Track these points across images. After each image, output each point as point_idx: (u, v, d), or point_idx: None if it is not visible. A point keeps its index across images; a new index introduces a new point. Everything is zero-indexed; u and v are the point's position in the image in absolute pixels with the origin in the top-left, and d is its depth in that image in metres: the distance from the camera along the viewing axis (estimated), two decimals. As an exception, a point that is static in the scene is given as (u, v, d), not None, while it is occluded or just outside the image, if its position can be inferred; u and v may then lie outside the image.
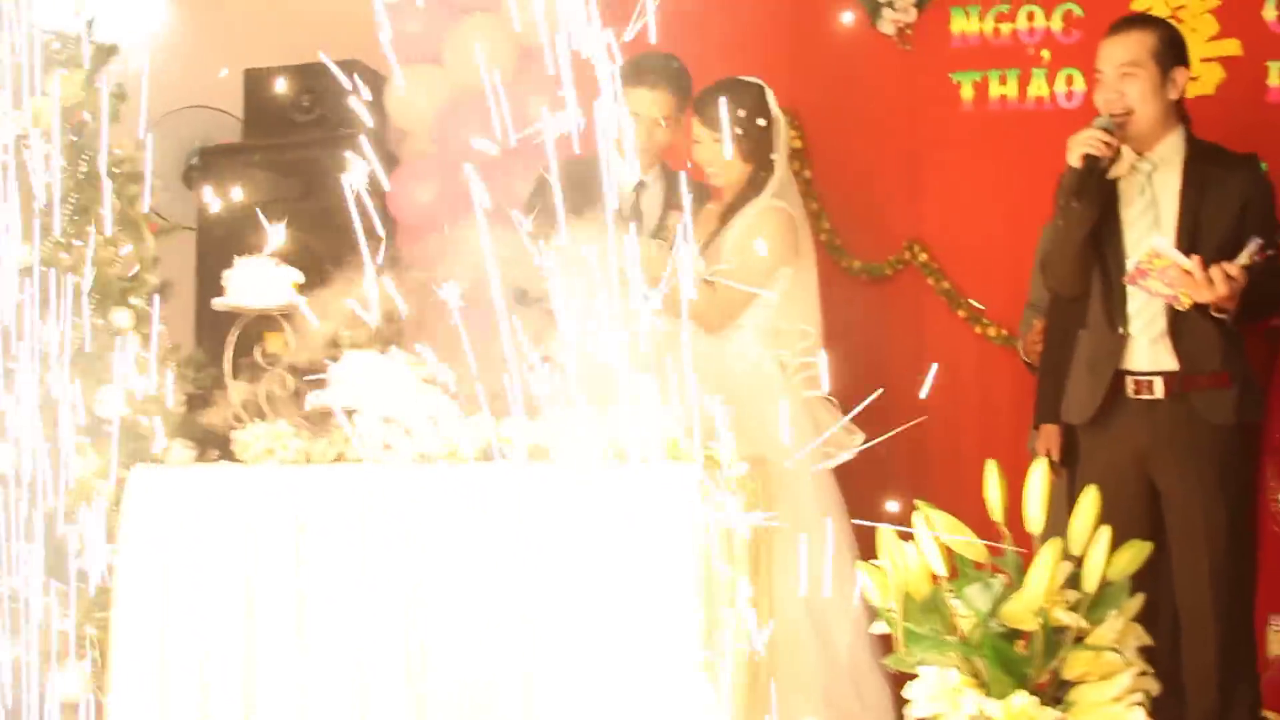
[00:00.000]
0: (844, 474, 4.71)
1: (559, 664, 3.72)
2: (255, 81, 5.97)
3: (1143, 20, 4.40)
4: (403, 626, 3.84)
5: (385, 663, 3.84)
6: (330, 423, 4.17)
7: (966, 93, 5.55)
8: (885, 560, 3.19)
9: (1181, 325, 4.09)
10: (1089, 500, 3.26)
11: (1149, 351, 4.14)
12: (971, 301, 5.54)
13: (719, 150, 4.43)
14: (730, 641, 3.61)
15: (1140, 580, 4.14)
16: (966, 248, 5.53)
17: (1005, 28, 5.50)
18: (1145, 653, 4.15)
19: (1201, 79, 5.29)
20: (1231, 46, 5.32)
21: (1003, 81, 5.52)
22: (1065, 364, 4.43)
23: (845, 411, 4.52)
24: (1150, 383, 4.12)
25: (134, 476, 4.07)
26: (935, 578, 3.18)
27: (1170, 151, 4.18)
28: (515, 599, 3.76)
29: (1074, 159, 4.04)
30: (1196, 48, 5.27)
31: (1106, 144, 4.03)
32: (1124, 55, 4.15)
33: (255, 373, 4.42)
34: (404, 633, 3.83)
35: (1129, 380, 4.15)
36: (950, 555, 3.18)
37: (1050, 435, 4.91)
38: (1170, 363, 4.11)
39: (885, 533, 3.23)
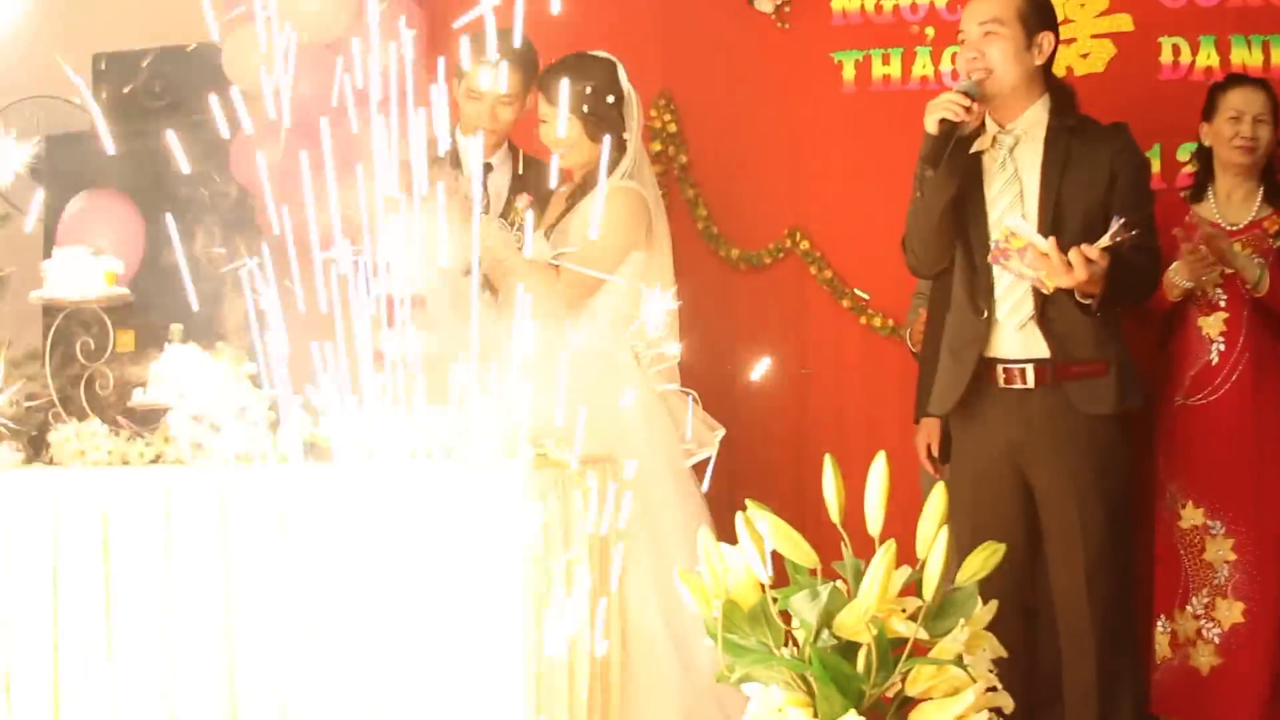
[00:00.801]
0: (721, 473, 4.48)
1: (376, 669, 3.51)
2: (107, 67, 5.68)
3: None
4: (214, 635, 3.61)
5: (195, 671, 3.62)
6: (159, 422, 3.94)
7: (848, 73, 5.28)
8: (704, 566, 2.91)
9: (1052, 309, 3.84)
10: (935, 498, 2.99)
11: (1017, 337, 3.90)
12: (856, 291, 5.28)
13: (566, 129, 4.17)
14: (564, 649, 3.37)
15: (1017, 582, 3.94)
16: (850, 235, 5.25)
17: (888, 4, 5.23)
18: (1024, 658, 3.95)
19: (1092, 55, 5.08)
20: (1123, 22, 5.08)
21: (885, 61, 5.25)
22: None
23: (705, 405, 4.30)
24: (1021, 371, 3.88)
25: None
26: (763, 586, 2.92)
27: (1033, 123, 3.93)
28: (332, 601, 3.54)
29: (930, 124, 3.79)
30: (1087, 23, 5.08)
31: (966, 109, 3.78)
32: (987, 13, 3.91)
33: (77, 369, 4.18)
34: (215, 642, 3.61)
35: (999, 368, 3.91)
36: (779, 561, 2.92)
37: (930, 429, 4.69)
38: (1042, 349, 3.86)
39: (705, 536, 2.96)
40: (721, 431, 4.17)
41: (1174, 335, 4.51)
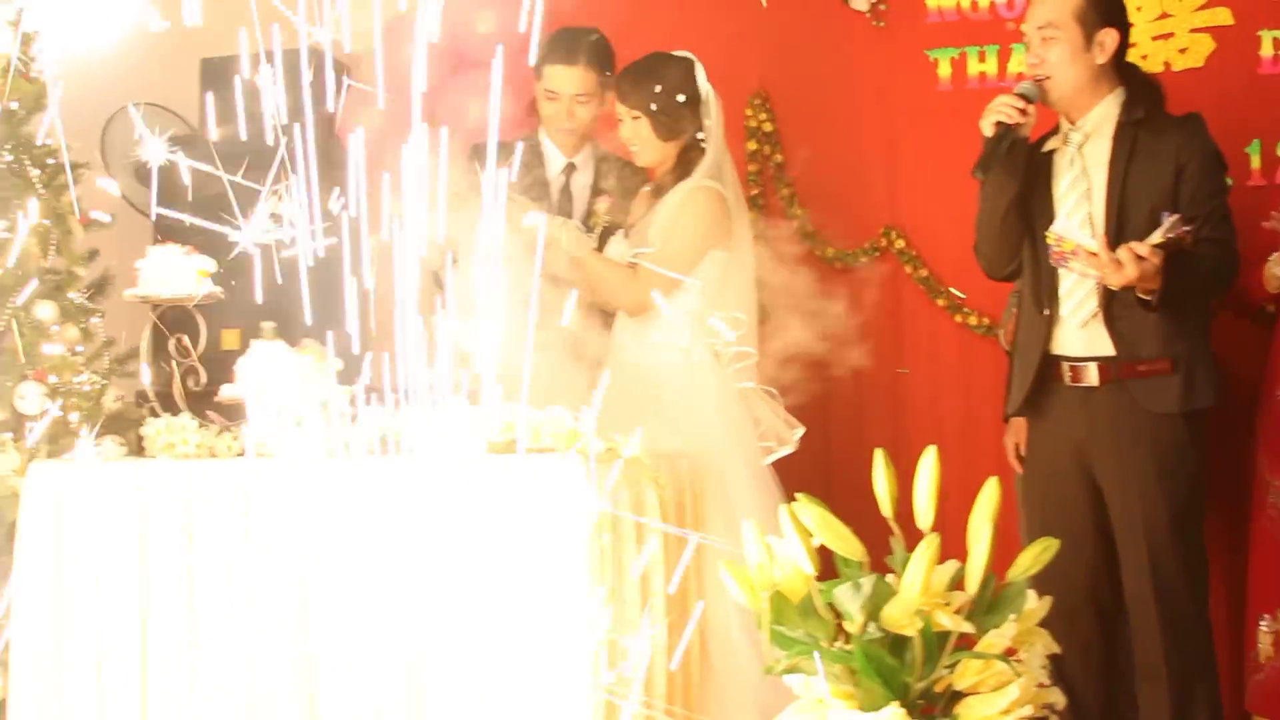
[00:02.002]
0: (816, 472, 4.51)
1: (449, 657, 3.61)
2: (212, 71, 5.81)
3: None
4: (293, 624, 3.73)
5: (276, 658, 3.74)
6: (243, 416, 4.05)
7: (944, 70, 5.26)
8: (753, 559, 2.94)
9: (1117, 308, 3.81)
10: (986, 494, 2.99)
11: (1081, 335, 3.88)
12: (951, 289, 5.26)
13: (637, 129, 4.22)
14: (640, 638, 3.42)
15: (1090, 579, 3.91)
16: (945, 233, 5.21)
17: (983, 2, 5.21)
18: (1099, 653, 3.91)
19: (1191, 50, 5.00)
20: (1223, 15, 4.99)
21: (981, 58, 5.22)
22: None
23: (799, 405, 4.32)
24: (1085, 369, 3.85)
25: (32, 473, 3.99)
26: (811, 579, 2.94)
27: (1102, 119, 3.91)
28: (406, 592, 3.64)
29: (986, 127, 3.78)
30: (1185, 18, 5.00)
31: (1021, 110, 3.77)
32: (1043, 16, 3.93)
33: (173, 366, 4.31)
34: (294, 629, 3.73)
35: (1064, 366, 3.89)
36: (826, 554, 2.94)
37: (1017, 428, 4.65)
38: (1106, 347, 3.84)
39: (749, 530, 2.99)
40: (801, 430, 4.19)
41: (1276, 327, 4.43)
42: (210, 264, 4.27)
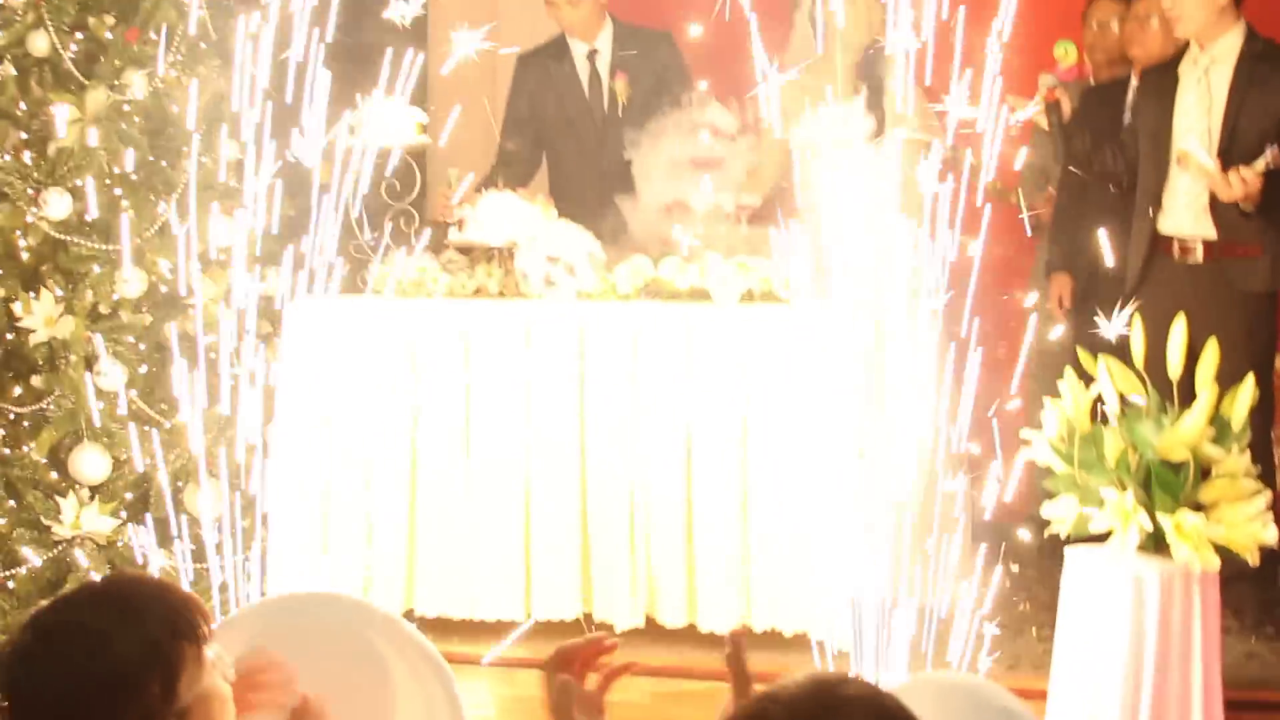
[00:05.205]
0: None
1: (715, 481, 4.23)
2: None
3: None
4: (570, 447, 4.28)
5: (551, 483, 4.30)
6: (472, 258, 4.52)
7: None
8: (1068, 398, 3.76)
9: (1220, 202, 4.68)
10: (1209, 355, 3.81)
11: (1192, 220, 4.73)
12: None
13: None
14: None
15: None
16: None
17: None
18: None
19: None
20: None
21: None
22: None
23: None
24: (1193, 248, 4.73)
25: (290, 309, 4.40)
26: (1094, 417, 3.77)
27: (1227, 49, 4.70)
28: (674, 425, 4.24)
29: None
30: None
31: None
32: None
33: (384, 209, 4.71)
34: (572, 454, 4.29)
35: (1175, 243, 4.75)
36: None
37: (1060, 283, 5.47)
38: (1210, 231, 4.71)
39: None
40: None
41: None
42: (425, 116, 4.71)
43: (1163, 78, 4.77)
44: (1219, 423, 3.80)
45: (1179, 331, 3.82)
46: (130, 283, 4.50)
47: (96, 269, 4.50)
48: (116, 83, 4.56)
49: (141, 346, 4.58)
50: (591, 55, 5.22)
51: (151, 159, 4.62)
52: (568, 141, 5.24)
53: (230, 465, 4.27)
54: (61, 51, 4.52)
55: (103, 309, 4.52)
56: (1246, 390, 3.78)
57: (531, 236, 4.35)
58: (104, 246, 4.50)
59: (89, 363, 4.48)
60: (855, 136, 4.45)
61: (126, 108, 4.58)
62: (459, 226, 4.54)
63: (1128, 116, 5.08)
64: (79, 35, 4.59)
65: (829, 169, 4.30)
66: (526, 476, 4.27)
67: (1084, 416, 3.80)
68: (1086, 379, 3.81)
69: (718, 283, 4.27)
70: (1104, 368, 3.73)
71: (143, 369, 4.58)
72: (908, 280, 4.20)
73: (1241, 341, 4.57)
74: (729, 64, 4.53)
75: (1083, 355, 3.82)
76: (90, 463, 4.42)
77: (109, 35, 4.59)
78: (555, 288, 4.31)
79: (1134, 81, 5.13)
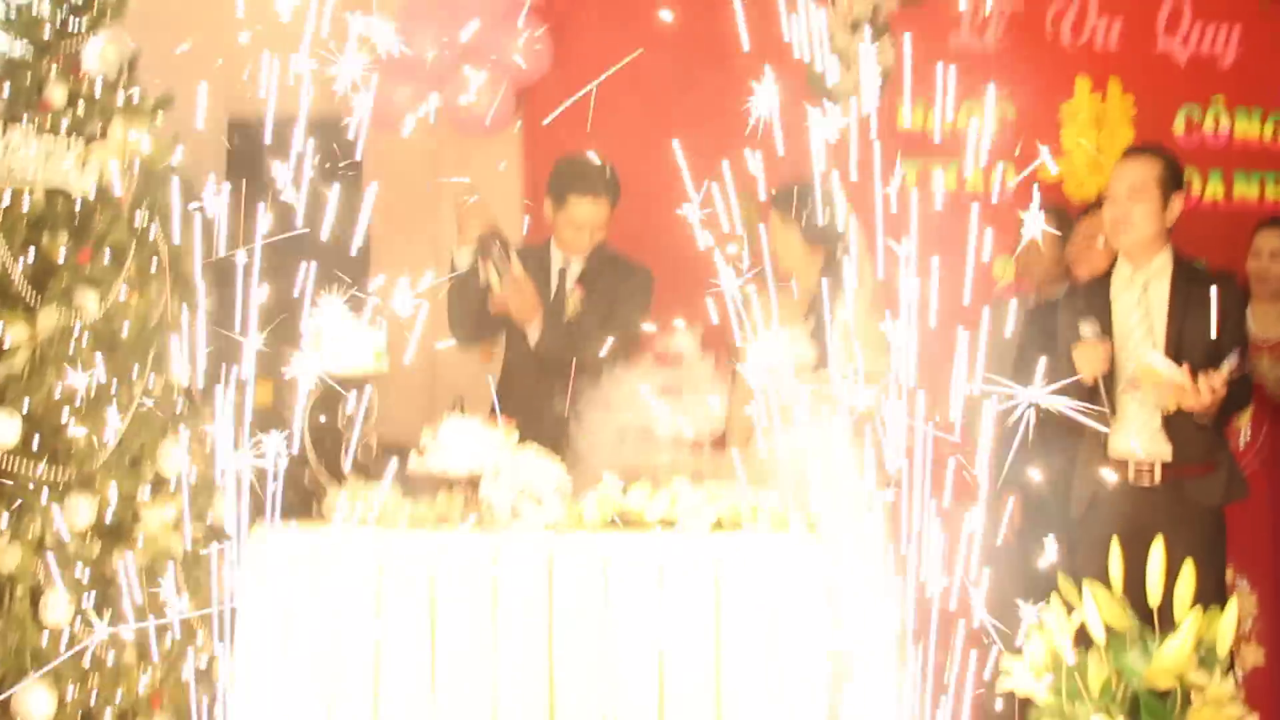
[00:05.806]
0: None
1: (688, 712, 4.11)
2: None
3: (1153, 151, 4.98)
4: (539, 679, 4.15)
5: (520, 717, 4.15)
6: (440, 488, 4.44)
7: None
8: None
9: (1173, 422, 4.74)
10: (1185, 579, 3.83)
11: (1148, 440, 4.77)
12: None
13: None
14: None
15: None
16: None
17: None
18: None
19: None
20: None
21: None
22: None
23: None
24: (1149, 470, 4.76)
25: (255, 535, 4.24)
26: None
27: (1161, 267, 4.83)
28: (646, 656, 4.14)
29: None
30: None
31: None
32: (1135, 178, 4.80)
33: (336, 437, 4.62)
34: (541, 687, 4.15)
35: (1130, 466, 4.77)
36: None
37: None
38: (1166, 452, 4.75)
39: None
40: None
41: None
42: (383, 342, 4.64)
43: (1092, 296, 4.86)
44: (1202, 647, 3.80)
45: (1157, 556, 3.83)
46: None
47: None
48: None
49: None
50: (562, 272, 5.29)
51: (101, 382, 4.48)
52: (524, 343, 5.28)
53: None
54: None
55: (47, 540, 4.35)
56: (1231, 614, 3.79)
57: (496, 469, 4.28)
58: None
59: (34, 595, 4.30)
60: (797, 364, 4.51)
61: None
62: (419, 452, 4.46)
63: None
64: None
65: (780, 396, 4.31)
66: (494, 708, 4.14)
67: (1067, 645, 3.78)
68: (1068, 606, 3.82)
69: (688, 512, 4.22)
70: (1089, 594, 3.72)
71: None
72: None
73: (1203, 558, 4.61)
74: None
75: (1063, 582, 3.82)
76: (38, 700, 4.24)
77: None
78: (521, 519, 4.23)
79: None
